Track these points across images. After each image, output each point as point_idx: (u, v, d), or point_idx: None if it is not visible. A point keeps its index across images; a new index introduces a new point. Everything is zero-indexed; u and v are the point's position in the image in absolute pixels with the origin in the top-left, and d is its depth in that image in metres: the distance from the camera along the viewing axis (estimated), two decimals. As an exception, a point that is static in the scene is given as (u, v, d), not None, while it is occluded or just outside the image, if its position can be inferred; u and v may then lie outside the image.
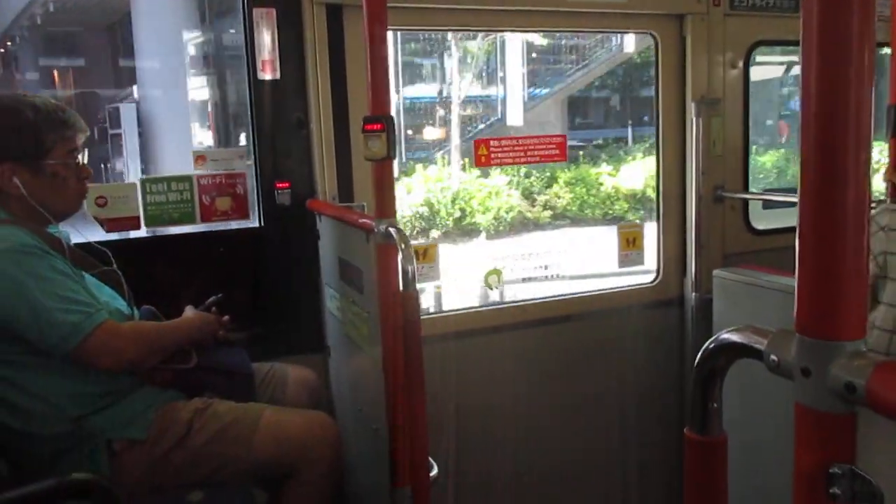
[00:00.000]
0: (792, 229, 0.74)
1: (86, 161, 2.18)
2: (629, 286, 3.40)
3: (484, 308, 3.13)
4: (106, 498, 1.41)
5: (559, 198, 11.68)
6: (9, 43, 15.88)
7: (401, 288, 1.90)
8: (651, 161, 3.40)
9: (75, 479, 1.45)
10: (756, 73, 3.46)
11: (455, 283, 6.25)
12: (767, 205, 3.76)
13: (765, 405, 2.17)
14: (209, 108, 10.42)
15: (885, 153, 2.70)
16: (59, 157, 2.08)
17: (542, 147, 3.06)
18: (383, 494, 2.02)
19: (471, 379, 3.01)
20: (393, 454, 1.95)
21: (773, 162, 11.50)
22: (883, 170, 2.75)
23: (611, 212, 11.75)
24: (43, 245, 2.00)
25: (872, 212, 2.40)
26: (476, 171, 11.21)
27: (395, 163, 1.99)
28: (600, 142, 15.85)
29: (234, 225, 2.85)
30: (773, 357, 0.75)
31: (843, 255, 0.70)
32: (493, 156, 2.96)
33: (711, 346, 0.84)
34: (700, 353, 0.86)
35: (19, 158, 2.04)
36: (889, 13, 2.57)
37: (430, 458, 2.00)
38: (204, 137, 10.29)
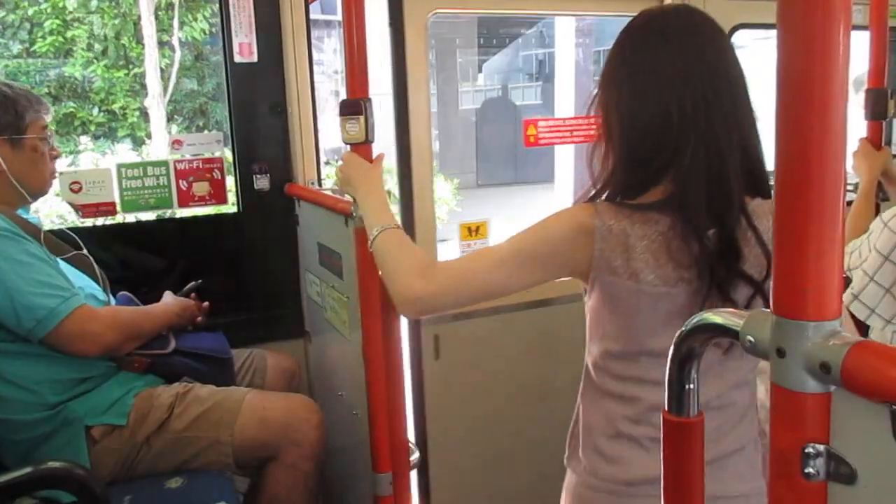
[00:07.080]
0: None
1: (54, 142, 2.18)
2: None
3: None
4: (82, 487, 1.39)
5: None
6: None
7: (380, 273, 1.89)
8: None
9: (51, 468, 1.43)
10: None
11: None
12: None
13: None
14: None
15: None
16: (36, 132, 2.09)
17: (587, 127, 3.05)
18: (364, 479, 2.02)
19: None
20: (373, 439, 1.94)
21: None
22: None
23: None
24: (16, 228, 1.98)
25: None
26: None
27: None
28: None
29: (212, 210, 2.82)
30: (749, 338, 0.75)
31: (818, 234, 0.70)
32: (541, 136, 2.96)
33: (688, 326, 0.84)
34: (677, 334, 0.86)
35: (1, 132, 2.03)
36: (867, -4, 2.58)
37: (411, 443, 2.00)
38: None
